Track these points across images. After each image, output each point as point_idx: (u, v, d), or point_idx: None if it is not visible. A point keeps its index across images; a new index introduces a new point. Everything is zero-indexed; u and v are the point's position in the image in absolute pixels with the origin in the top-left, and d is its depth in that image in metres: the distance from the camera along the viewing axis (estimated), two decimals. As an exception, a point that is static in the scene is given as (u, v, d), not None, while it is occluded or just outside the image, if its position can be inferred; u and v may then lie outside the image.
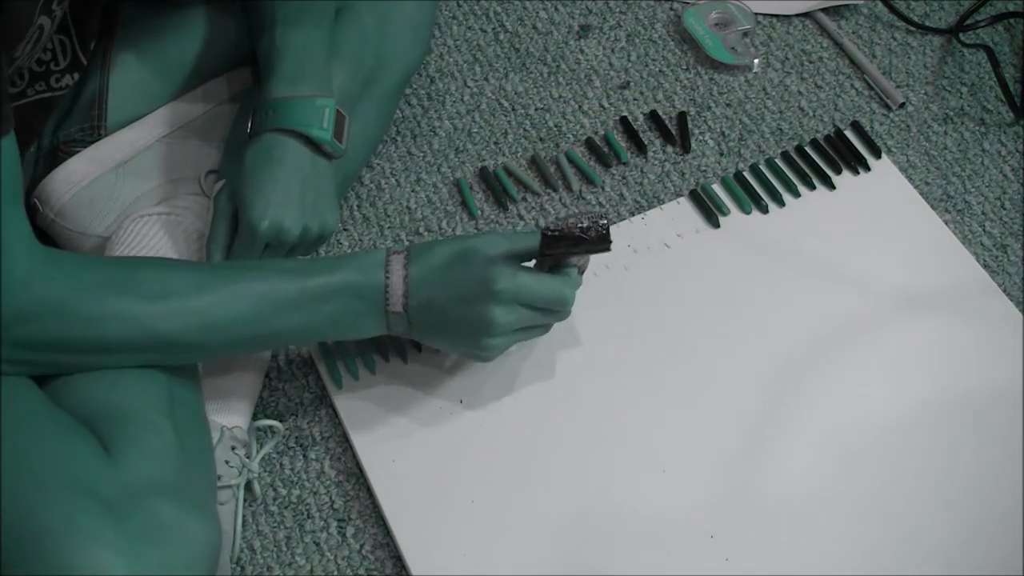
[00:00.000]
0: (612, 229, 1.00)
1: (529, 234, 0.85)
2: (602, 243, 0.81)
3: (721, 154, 1.10)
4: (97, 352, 0.76)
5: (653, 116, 1.12)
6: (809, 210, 1.05)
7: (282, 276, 0.80)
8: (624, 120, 1.11)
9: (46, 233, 0.96)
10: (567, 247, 0.82)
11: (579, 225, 0.81)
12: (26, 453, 0.70)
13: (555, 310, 0.86)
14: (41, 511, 0.67)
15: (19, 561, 0.66)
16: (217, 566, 0.74)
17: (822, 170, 1.07)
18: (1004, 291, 1.00)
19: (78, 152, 0.92)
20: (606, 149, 1.10)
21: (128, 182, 0.93)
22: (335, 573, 0.86)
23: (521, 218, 1.05)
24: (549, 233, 0.81)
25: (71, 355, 0.76)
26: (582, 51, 1.17)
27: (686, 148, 1.10)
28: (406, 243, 1.02)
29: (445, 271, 0.82)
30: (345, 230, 1.03)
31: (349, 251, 1.02)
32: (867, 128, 1.11)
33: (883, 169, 1.08)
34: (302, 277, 0.80)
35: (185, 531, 0.70)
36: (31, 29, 0.75)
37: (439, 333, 0.85)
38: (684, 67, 1.16)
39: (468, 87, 1.14)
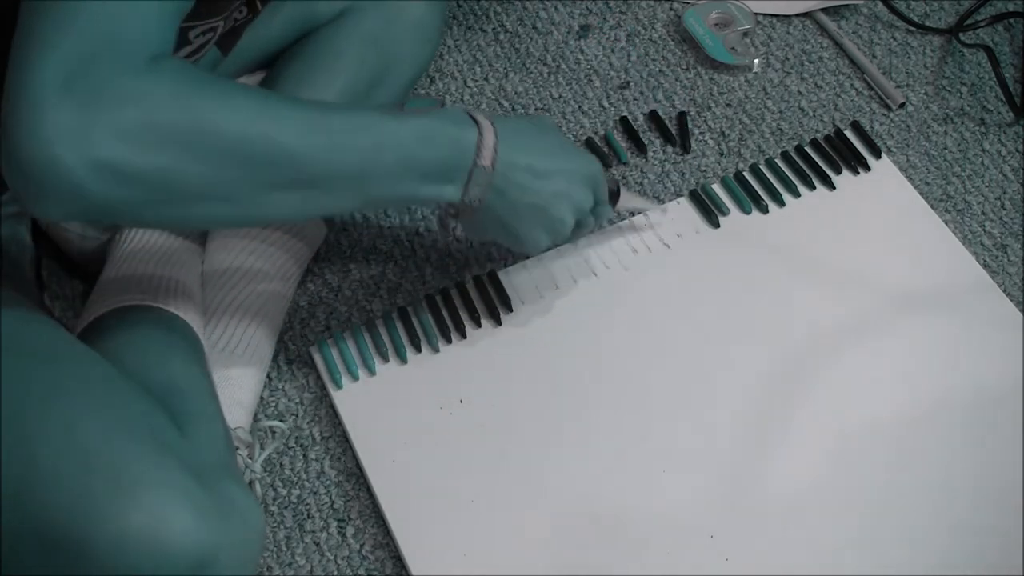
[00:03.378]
0: (613, 228, 1.02)
1: None
2: (613, 199, 0.93)
3: (721, 154, 1.10)
4: (209, 159, 0.67)
5: (653, 116, 1.12)
6: (809, 210, 1.05)
7: (385, 115, 0.76)
8: (624, 120, 1.12)
9: (46, 233, 0.96)
10: None
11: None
12: (110, 406, 0.69)
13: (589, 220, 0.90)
14: (133, 460, 0.66)
15: (106, 502, 0.64)
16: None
17: (822, 170, 1.07)
18: (1004, 291, 1.00)
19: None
20: (606, 149, 1.10)
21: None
22: (335, 573, 0.87)
23: (521, 218, 1.05)
24: None
25: (180, 160, 0.66)
26: (582, 51, 1.17)
27: (686, 148, 1.10)
28: (407, 243, 1.03)
29: (540, 137, 0.83)
30: (345, 230, 1.03)
31: (349, 251, 1.02)
32: (867, 128, 1.11)
33: (883, 169, 1.08)
34: (402, 119, 0.77)
35: (250, 511, 0.70)
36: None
37: (517, 201, 0.83)
38: (684, 67, 1.16)
39: (468, 87, 1.14)
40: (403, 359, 0.94)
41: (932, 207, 1.06)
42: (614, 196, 0.94)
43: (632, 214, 1.01)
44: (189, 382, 0.80)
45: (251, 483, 0.88)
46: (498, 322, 0.96)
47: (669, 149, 1.10)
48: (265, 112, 0.69)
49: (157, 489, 0.64)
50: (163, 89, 0.64)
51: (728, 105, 1.13)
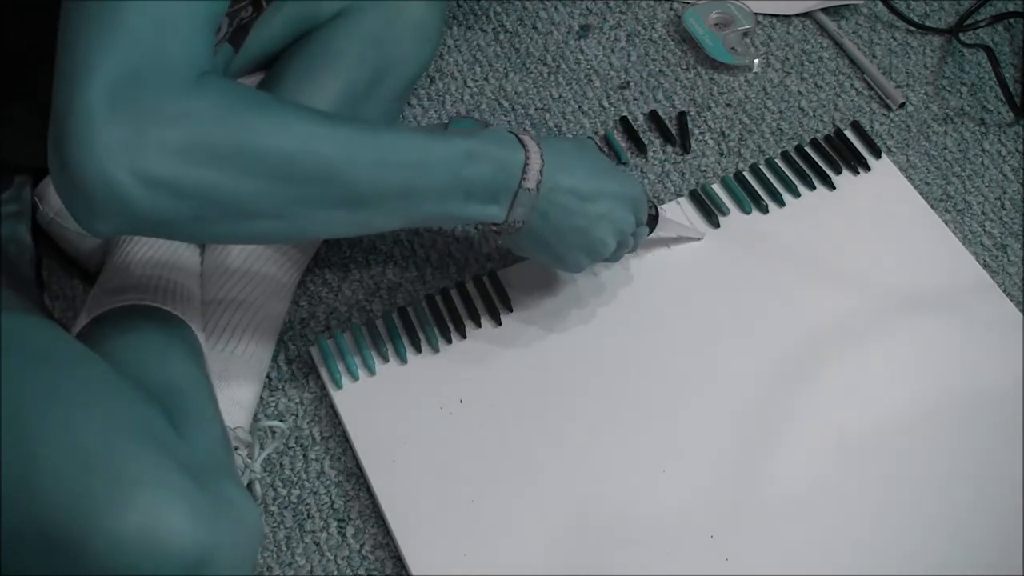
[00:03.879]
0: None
1: None
2: (651, 222, 0.95)
3: (721, 154, 1.10)
4: (257, 173, 0.69)
5: (653, 116, 1.12)
6: (809, 210, 1.05)
7: (432, 134, 0.78)
8: (624, 120, 1.11)
9: (46, 233, 0.96)
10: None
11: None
12: (106, 407, 0.69)
13: (630, 240, 0.90)
14: (131, 460, 0.66)
15: (103, 502, 0.64)
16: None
17: (822, 170, 1.07)
18: (1004, 291, 1.00)
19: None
20: (606, 149, 1.10)
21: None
22: (335, 573, 0.87)
23: (521, 218, 1.05)
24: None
25: (228, 177, 0.67)
26: (582, 51, 1.17)
27: (686, 148, 1.10)
28: (406, 243, 1.03)
29: (585, 160, 0.84)
30: (345, 230, 1.03)
31: (348, 251, 1.02)
32: (867, 128, 1.11)
33: (883, 169, 1.08)
34: (449, 138, 0.78)
35: (246, 512, 0.70)
36: None
37: (560, 223, 0.83)
38: (684, 67, 1.16)
39: (468, 87, 1.14)
40: (403, 359, 0.94)
41: (932, 207, 1.06)
42: (652, 220, 0.95)
43: (668, 244, 1.01)
44: (187, 382, 0.80)
45: (251, 483, 0.88)
46: (498, 322, 0.96)
47: (669, 149, 1.10)
48: (313, 130, 0.70)
49: (154, 489, 0.65)
50: (210, 107, 0.66)
51: (728, 105, 1.13)
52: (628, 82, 1.15)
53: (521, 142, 0.80)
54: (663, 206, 1.03)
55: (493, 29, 1.19)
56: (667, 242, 1.01)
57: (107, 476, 0.65)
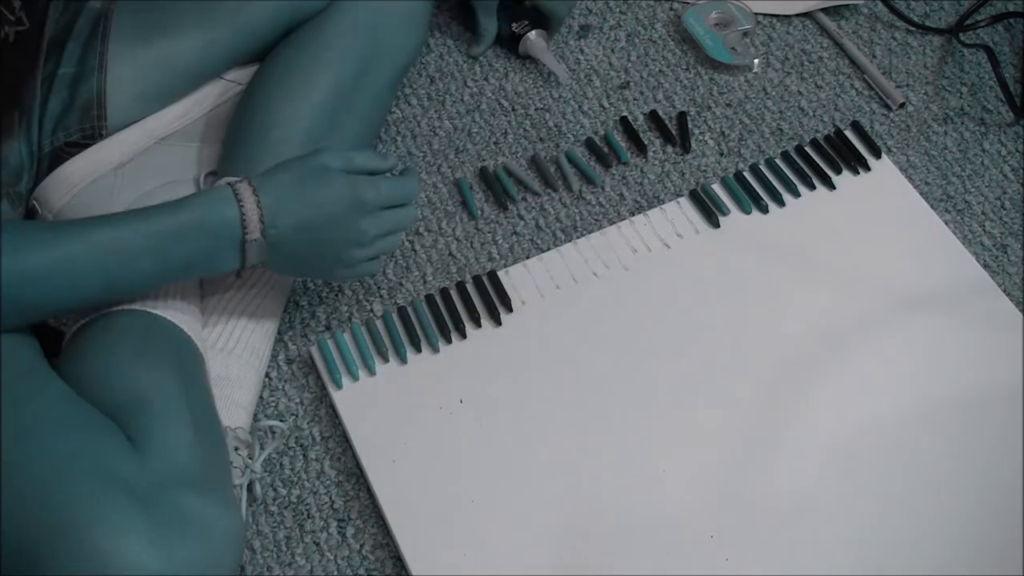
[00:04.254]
0: (613, 228, 1.01)
1: (363, 153, 0.87)
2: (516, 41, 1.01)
3: (721, 154, 1.10)
4: None
5: (653, 116, 1.12)
6: (809, 210, 1.05)
7: (126, 224, 0.79)
8: (624, 120, 1.11)
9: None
10: None
11: None
12: (53, 447, 0.70)
13: (406, 209, 0.88)
14: (70, 505, 0.67)
15: (51, 555, 0.66)
16: (242, 558, 0.74)
17: (822, 170, 1.07)
18: (1004, 291, 1.00)
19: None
20: (606, 149, 1.10)
21: (127, 184, 0.93)
22: (335, 573, 0.87)
23: (521, 218, 1.05)
24: None
25: None
26: (582, 51, 1.17)
27: (686, 148, 1.10)
28: (407, 243, 1.03)
29: (301, 190, 0.83)
30: (345, 230, 1.03)
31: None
32: (867, 128, 1.11)
33: (883, 169, 1.08)
34: (146, 222, 0.79)
35: (212, 523, 0.70)
36: None
37: (300, 255, 0.85)
38: (684, 67, 1.16)
39: (468, 87, 1.14)
40: (403, 359, 0.94)
41: (932, 207, 1.06)
42: (517, 38, 1.03)
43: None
44: (155, 391, 0.79)
45: (251, 483, 0.88)
46: (498, 322, 0.96)
47: (669, 149, 1.10)
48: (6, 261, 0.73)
49: (100, 526, 0.66)
50: None
51: (728, 105, 1.13)
52: (628, 82, 1.15)
53: (236, 195, 0.81)
54: (664, 205, 1.04)
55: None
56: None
57: (53, 522, 0.66)
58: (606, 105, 1.13)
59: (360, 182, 0.84)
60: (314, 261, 0.86)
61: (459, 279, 1.00)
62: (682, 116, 1.12)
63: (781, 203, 1.05)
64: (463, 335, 0.95)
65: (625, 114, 1.12)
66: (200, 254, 0.81)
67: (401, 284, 1.00)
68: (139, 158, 0.94)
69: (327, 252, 0.85)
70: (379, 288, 1.00)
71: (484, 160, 1.09)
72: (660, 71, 1.16)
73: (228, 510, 0.73)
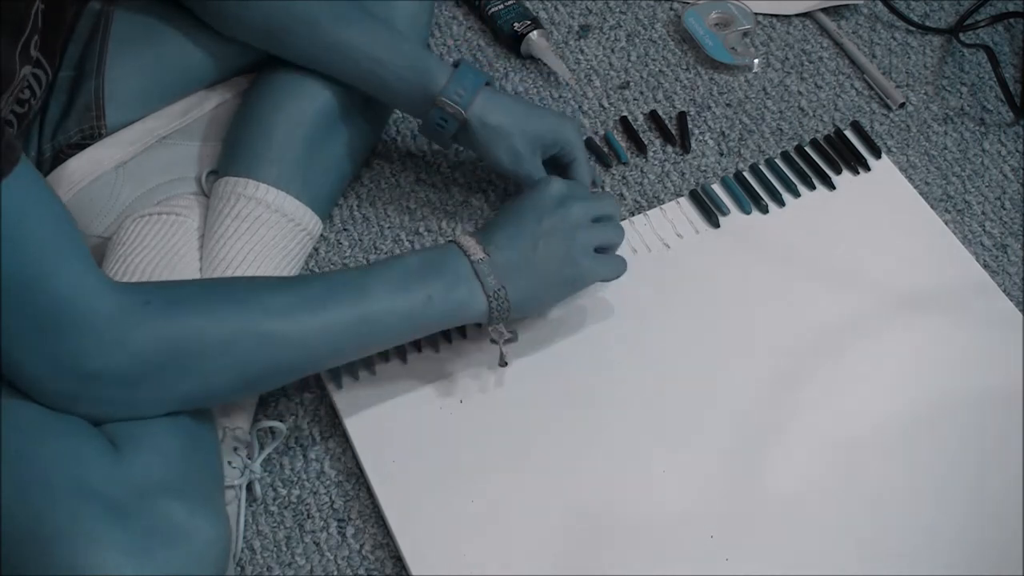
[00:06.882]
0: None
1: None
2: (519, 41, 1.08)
3: (721, 154, 1.10)
4: (232, 378, 0.77)
5: (653, 116, 1.12)
6: (809, 210, 1.05)
7: (392, 289, 0.82)
8: (624, 120, 1.11)
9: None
10: None
11: None
12: (31, 456, 0.70)
13: (612, 216, 0.92)
14: (47, 515, 0.67)
15: (27, 565, 0.66)
16: (227, 566, 0.73)
17: (822, 170, 1.07)
18: (1004, 291, 1.00)
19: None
20: (606, 149, 1.10)
21: (128, 182, 0.93)
22: (335, 573, 0.87)
23: (521, 218, 1.05)
24: None
25: (207, 389, 0.77)
26: (582, 51, 1.17)
27: (686, 148, 1.10)
28: (407, 243, 1.03)
29: (526, 255, 0.86)
30: (345, 230, 1.03)
31: (349, 251, 1.02)
32: (867, 128, 1.11)
33: (883, 169, 1.08)
34: (407, 292, 0.83)
35: (194, 530, 0.70)
36: (15, 80, 0.73)
37: (538, 293, 0.88)
38: (684, 67, 1.16)
39: (468, 87, 1.14)
40: (403, 359, 0.94)
41: (932, 207, 1.06)
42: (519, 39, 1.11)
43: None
44: None
45: (251, 483, 0.88)
46: (498, 322, 0.96)
47: (669, 149, 1.10)
48: (263, 339, 0.77)
49: (75, 538, 0.66)
50: (135, 332, 0.72)
51: (728, 105, 1.13)
52: (628, 82, 1.15)
53: (475, 271, 0.84)
54: (664, 205, 1.04)
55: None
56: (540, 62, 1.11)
57: (26, 536, 0.66)
58: (606, 105, 1.13)
59: (567, 203, 0.89)
60: (550, 280, 0.88)
61: (459, 279, 1.00)
62: (682, 116, 1.12)
63: (781, 203, 1.05)
64: (463, 335, 0.95)
65: (625, 114, 1.12)
66: (445, 319, 0.86)
67: (401, 284, 1.00)
68: (140, 156, 0.94)
69: (557, 268, 0.88)
70: (379, 288, 1.00)
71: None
72: (660, 71, 1.16)
73: (212, 518, 0.72)
